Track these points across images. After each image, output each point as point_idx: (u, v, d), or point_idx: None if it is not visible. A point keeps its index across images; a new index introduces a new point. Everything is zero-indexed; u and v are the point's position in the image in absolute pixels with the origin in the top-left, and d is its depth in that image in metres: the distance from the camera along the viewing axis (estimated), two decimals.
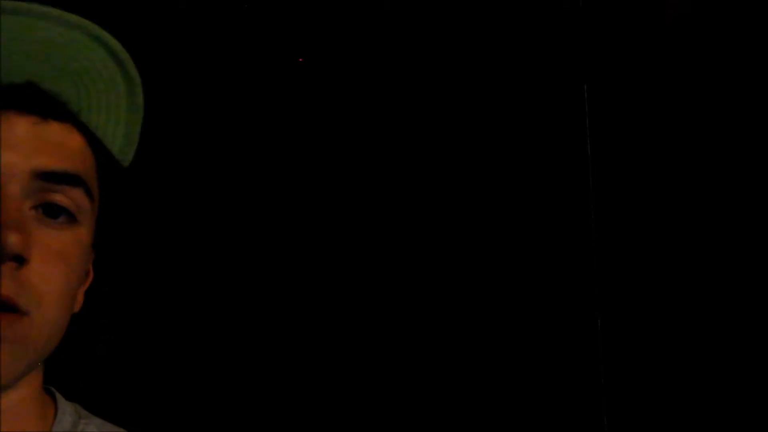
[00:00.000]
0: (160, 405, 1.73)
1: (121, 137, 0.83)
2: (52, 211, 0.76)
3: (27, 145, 0.74)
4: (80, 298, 0.84)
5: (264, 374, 1.82)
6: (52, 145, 0.76)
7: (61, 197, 0.76)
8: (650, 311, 1.76)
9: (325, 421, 1.79)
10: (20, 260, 0.72)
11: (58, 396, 0.85)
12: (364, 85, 1.88)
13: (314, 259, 1.85)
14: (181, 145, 1.82)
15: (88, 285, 0.86)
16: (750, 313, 1.71)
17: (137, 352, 1.74)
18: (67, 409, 0.85)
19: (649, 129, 1.80)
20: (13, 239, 0.70)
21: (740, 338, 1.71)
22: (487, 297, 1.83)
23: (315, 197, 1.87)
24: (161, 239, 1.79)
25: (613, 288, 1.78)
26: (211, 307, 1.82)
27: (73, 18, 0.74)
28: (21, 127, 0.74)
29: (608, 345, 1.76)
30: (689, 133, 1.78)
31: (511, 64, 1.86)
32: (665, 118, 1.79)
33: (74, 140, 0.78)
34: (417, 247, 1.86)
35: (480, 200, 1.85)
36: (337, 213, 1.87)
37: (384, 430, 1.80)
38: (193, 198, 1.82)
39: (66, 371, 0.80)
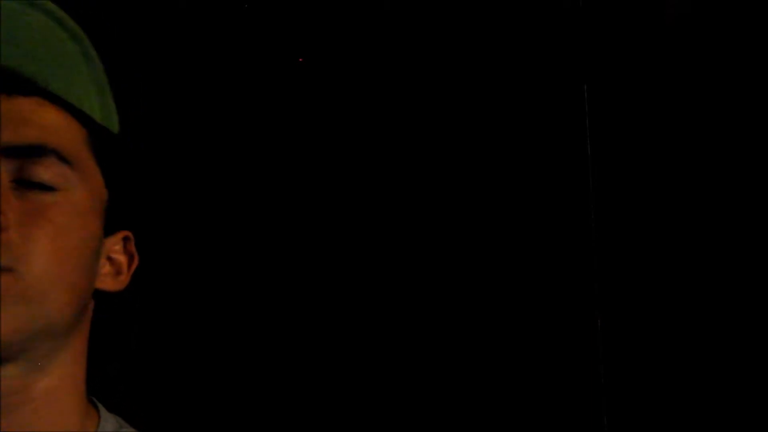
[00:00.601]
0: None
1: (96, 101, 0.83)
2: (32, 184, 0.76)
3: None
4: (125, 278, 0.84)
5: (269, 374, 1.82)
6: (18, 120, 0.76)
7: (36, 169, 0.76)
8: (650, 311, 1.76)
9: (325, 421, 1.79)
10: None
11: (101, 407, 0.86)
12: (364, 85, 1.88)
13: (315, 258, 1.85)
14: (181, 145, 1.82)
15: (135, 267, 0.86)
16: (750, 312, 1.71)
17: (150, 355, 1.74)
18: (109, 419, 0.85)
19: (649, 129, 1.80)
20: None
21: (740, 338, 1.71)
22: (486, 297, 1.82)
23: (315, 197, 1.87)
24: (161, 239, 1.79)
25: (613, 288, 1.78)
26: (212, 308, 1.82)
27: None
28: None
29: (608, 345, 1.76)
30: (689, 133, 1.78)
31: (511, 64, 1.86)
32: (665, 118, 1.79)
33: (45, 113, 0.78)
34: (417, 247, 1.85)
35: (480, 200, 1.85)
36: (337, 213, 1.87)
37: (384, 430, 1.80)
38: (192, 198, 1.82)
39: (108, 385, 0.80)
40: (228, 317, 1.83)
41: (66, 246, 0.77)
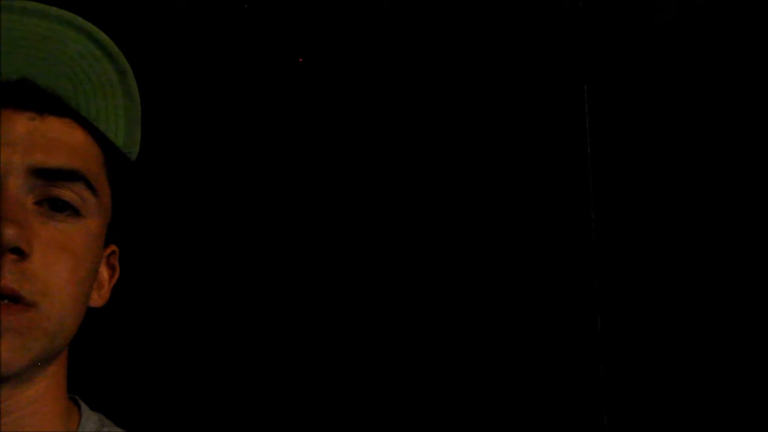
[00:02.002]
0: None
1: (123, 129, 0.83)
2: (57, 206, 0.76)
3: (24, 142, 0.75)
4: (105, 293, 0.84)
5: (268, 375, 1.82)
6: (50, 141, 0.76)
7: (63, 192, 0.76)
8: (650, 311, 1.76)
9: (326, 421, 1.79)
10: (19, 252, 0.72)
11: (83, 405, 0.86)
12: (364, 85, 1.88)
13: (315, 258, 1.85)
14: (180, 145, 1.82)
15: (115, 281, 0.86)
16: (750, 312, 1.71)
17: (146, 356, 1.74)
18: (91, 417, 0.86)
19: (649, 129, 1.80)
20: (10, 231, 0.71)
21: (740, 338, 1.71)
22: (486, 297, 1.82)
23: (315, 197, 1.87)
24: (161, 239, 1.79)
25: (613, 288, 1.78)
26: (212, 308, 1.82)
27: (55, 11, 0.75)
28: (18, 123, 0.75)
29: (608, 345, 1.76)
30: (689, 133, 1.78)
31: (511, 64, 1.86)
32: (665, 118, 1.79)
33: (74, 135, 0.79)
34: (417, 247, 1.86)
35: (480, 200, 1.85)
36: (337, 213, 1.87)
37: (384, 430, 1.80)
38: (191, 198, 1.82)
39: (91, 382, 0.80)
40: (212, 315, 1.83)
41: (81, 276, 0.78)
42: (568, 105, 1.82)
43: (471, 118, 1.87)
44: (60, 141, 0.77)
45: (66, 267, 0.75)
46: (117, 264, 0.88)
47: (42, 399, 0.79)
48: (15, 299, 0.72)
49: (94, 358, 0.79)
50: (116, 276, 0.87)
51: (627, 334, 1.76)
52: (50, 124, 0.77)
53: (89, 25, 0.77)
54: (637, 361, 1.75)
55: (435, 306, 1.83)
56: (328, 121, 1.88)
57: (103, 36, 0.78)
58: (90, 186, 0.78)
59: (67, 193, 0.76)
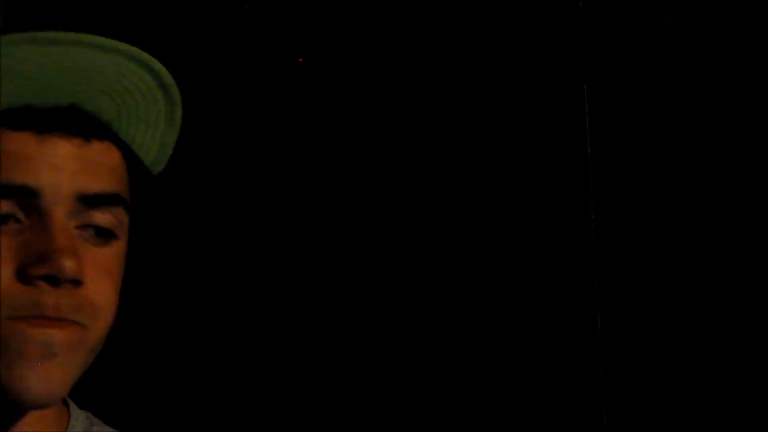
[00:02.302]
0: (170, 414, 1.74)
1: (156, 149, 0.84)
2: (97, 231, 0.77)
3: (71, 167, 0.75)
4: None
5: (266, 375, 1.82)
6: (94, 165, 0.77)
7: (103, 217, 0.77)
8: (650, 311, 1.76)
9: (326, 421, 1.79)
10: (77, 283, 0.74)
11: (71, 404, 0.86)
12: (364, 85, 1.89)
13: (314, 258, 1.85)
14: (181, 145, 1.82)
15: None
16: (750, 312, 1.71)
17: (147, 359, 1.74)
18: (80, 416, 0.86)
19: (649, 129, 1.80)
20: (69, 264, 0.72)
21: (740, 338, 1.71)
22: (487, 297, 1.83)
23: (315, 197, 1.87)
24: (160, 239, 1.79)
25: (613, 288, 1.78)
26: (212, 308, 1.82)
27: (112, 43, 0.75)
28: (65, 149, 0.75)
29: (608, 345, 1.76)
30: (689, 133, 1.78)
31: (512, 64, 1.86)
32: (665, 118, 1.79)
33: (113, 157, 0.79)
34: (417, 247, 1.86)
35: (480, 200, 1.85)
36: (337, 213, 1.87)
37: (384, 430, 1.80)
38: (191, 198, 1.82)
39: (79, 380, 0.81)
40: (202, 311, 1.83)
41: (117, 298, 0.79)
42: (568, 105, 1.82)
43: (471, 118, 1.87)
44: (103, 165, 0.78)
45: (111, 290, 0.77)
46: None
47: (42, 415, 0.80)
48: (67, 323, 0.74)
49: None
50: None
51: (627, 334, 1.76)
52: (93, 148, 0.77)
53: (152, 59, 0.77)
54: (637, 361, 1.75)
55: (435, 306, 1.83)
56: (328, 121, 1.88)
57: (162, 69, 0.78)
58: (127, 208, 0.80)
59: (108, 218, 0.77)
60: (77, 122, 0.76)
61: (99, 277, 0.76)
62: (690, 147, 1.78)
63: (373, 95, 1.88)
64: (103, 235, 0.77)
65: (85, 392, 0.84)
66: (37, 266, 0.72)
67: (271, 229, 1.87)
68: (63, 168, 0.75)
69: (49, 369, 0.73)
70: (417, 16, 1.87)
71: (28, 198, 0.74)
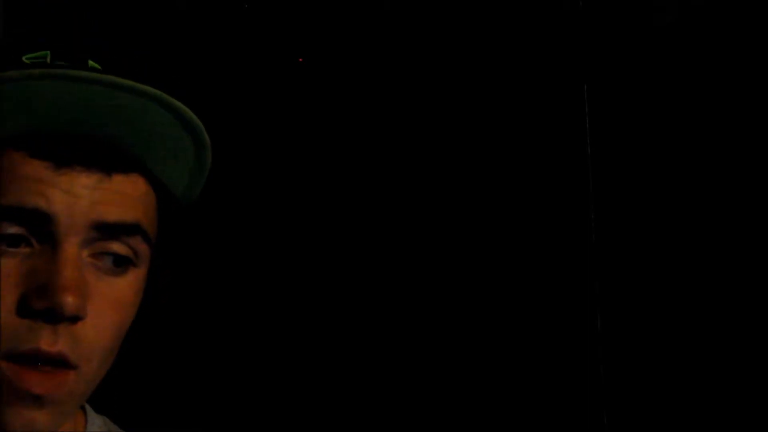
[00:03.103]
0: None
1: (185, 184, 0.83)
2: (113, 259, 0.76)
3: (89, 196, 0.74)
4: None
5: (265, 375, 1.82)
6: (114, 194, 0.75)
7: (119, 246, 0.76)
8: (650, 311, 1.76)
9: (325, 421, 1.79)
10: (76, 320, 0.72)
11: (88, 408, 0.86)
12: (364, 85, 1.89)
13: (314, 258, 1.85)
14: None
15: None
16: (750, 312, 1.71)
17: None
18: (96, 422, 0.86)
19: (649, 129, 1.80)
20: (71, 301, 0.71)
21: (740, 338, 1.71)
22: (487, 297, 1.83)
23: (315, 197, 1.87)
24: (161, 238, 1.78)
25: (613, 288, 1.78)
26: (211, 307, 1.82)
27: (144, 88, 0.74)
28: (84, 179, 0.74)
29: (608, 345, 1.76)
30: (689, 132, 1.78)
31: (512, 64, 1.86)
32: (665, 118, 1.79)
33: (137, 187, 0.78)
34: (417, 247, 1.86)
35: (480, 200, 1.85)
36: (337, 213, 1.87)
37: (384, 430, 1.80)
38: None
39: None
40: (217, 318, 1.83)
41: (123, 332, 0.78)
42: (568, 105, 1.82)
43: (471, 118, 1.87)
44: (124, 194, 0.76)
45: (115, 326, 0.76)
46: None
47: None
48: (63, 364, 0.72)
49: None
50: None
51: (627, 334, 1.76)
52: (115, 180, 0.76)
53: (174, 101, 0.76)
54: (637, 361, 1.75)
55: (435, 306, 1.83)
56: (328, 120, 1.88)
57: (187, 111, 0.76)
58: (147, 238, 0.78)
59: (124, 248, 0.76)
60: (98, 156, 0.75)
61: (105, 311, 0.74)
62: (690, 147, 1.78)
63: (373, 95, 1.88)
64: (120, 264, 0.76)
65: (102, 397, 0.84)
66: (38, 299, 0.71)
67: (271, 229, 1.87)
68: (80, 196, 0.73)
69: (36, 418, 0.72)
70: (417, 16, 1.87)
71: (41, 223, 0.72)
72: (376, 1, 1.87)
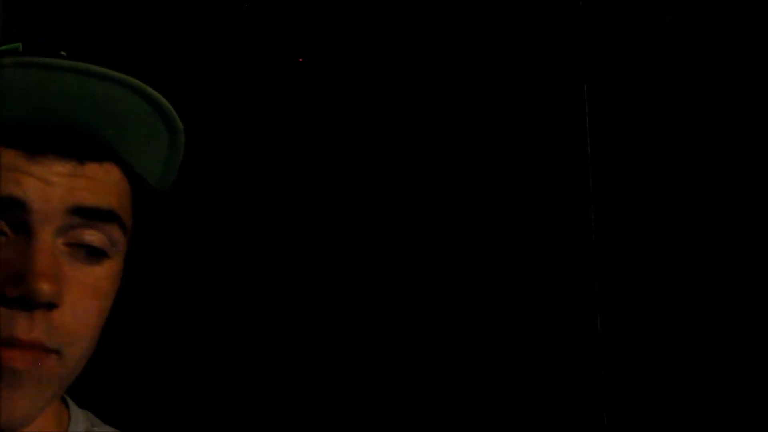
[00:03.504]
0: (170, 414, 1.74)
1: (159, 173, 0.83)
2: (87, 250, 0.76)
3: (64, 184, 0.74)
4: None
5: (264, 374, 1.82)
6: (89, 181, 0.76)
7: (94, 236, 0.76)
8: (650, 311, 1.76)
9: (325, 420, 1.79)
10: (52, 306, 0.72)
11: (71, 403, 0.86)
12: (364, 85, 1.89)
13: (314, 258, 1.85)
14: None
15: None
16: (750, 312, 1.71)
17: (147, 359, 1.75)
18: (79, 417, 0.85)
19: (649, 129, 1.80)
20: (45, 287, 0.71)
21: (740, 337, 1.71)
22: (487, 297, 1.83)
23: (315, 197, 1.87)
24: (161, 238, 1.78)
25: (613, 288, 1.78)
26: (211, 307, 1.82)
27: (117, 75, 0.74)
28: (59, 167, 0.74)
29: (608, 345, 1.76)
30: (689, 132, 1.78)
31: (512, 64, 1.86)
32: (665, 118, 1.79)
33: (111, 175, 0.78)
34: (417, 247, 1.86)
35: (480, 200, 1.85)
36: (337, 213, 1.87)
37: (384, 430, 1.80)
38: (191, 197, 1.82)
39: (79, 380, 0.80)
40: (222, 318, 1.83)
41: (102, 319, 0.78)
42: (568, 105, 1.82)
43: (471, 118, 1.87)
44: (99, 181, 0.76)
45: (93, 313, 0.76)
46: None
47: (42, 416, 0.79)
48: (38, 349, 0.72)
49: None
50: None
51: (627, 334, 1.76)
52: (89, 168, 0.76)
53: (147, 87, 0.76)
54: (637, 361, 1.75)
55: (435, 306, 1.83)
56: (328, 121, 1.88)
57: (159, 97, 0.77)
58: (122, 226, 0.78)
59: (97, 236, 0.76)
60: (72, 144, 0.75)
61: (81, 298, 0.74)
62: (690, 147, 1.78)
63: (373, 95, 1.88)
64: (95, 254, 0.76)
65: (84, 391, 0.84)
66: (12, 286, 0.71)
67: (271, 229, 1.87)
68: (55, 183, 0.73)
69: (15, 399, 0.71)
70: (417, 16, 1.87)
71: (15, 212, 0.72)
72: (376, 1, 1.87)
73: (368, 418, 1.80)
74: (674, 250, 1.77)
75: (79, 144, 0.75)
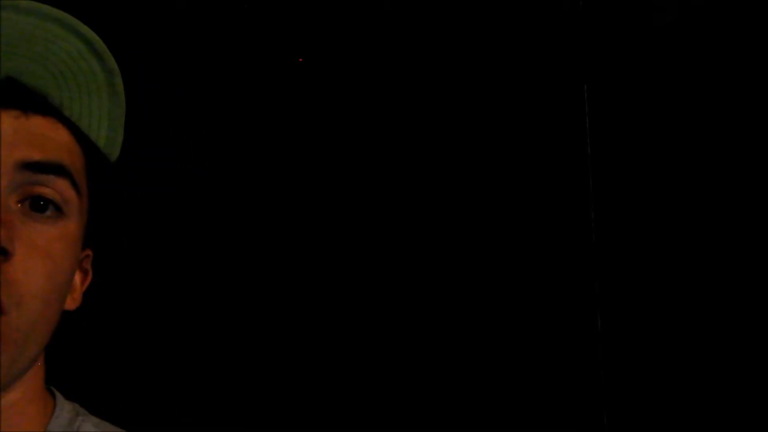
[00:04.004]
0: (159, 405, 1.74)
1: (105, 130, 0.82)
2: (38, 206, 0.75)
3: (10, 139, 0.73)
4: (77, 296, 0.83)
5: (264, 374, 1.82)
6: (36, 136, 0.75)
7: (46, 189, 0.75)
8: (650, 311, 1.76)
9: (325, 420, 1.79)
10: (4, 253, 0.71)
11: (58, 395, 0.86)
12: (364, 85, 1.89)
13: (314, 258, 1.85)
14: (180, 144, 1.82)
15: (87, 285, 0.86)
16: (750, 312, 1.71)
17: (137, 351, 1.75)
18: (65, 407, 0.85)
19: (649, 129, 1.80)
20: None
21: (740, 337, 1.71)
22: (487, 297, 1.83)
23: (315, 197, 1.87)
24: (162, 238, 1.79)
25: (613, 288, 1.78)
26: (211, 307, 1.82)
27: (46, 9, 0.74)
28: (3, 121, 0.73)
29: (608, 345, 1.76)
30: (689, 132, 1.78)
31: (512, 64, 1.86)
32: (665, 118, 1.79)
33: (58, 133, 0.78)
34: (417, 247, 1.86)
35: (480, 200, 1.85)
36: (337, 213, 1.87)
37: (384, 430, 1.80)
38: (192, 198, 1.82)
39: (67, 370, 0.80)
40: (222, 317, 1.83)
41: (58, 281, 0.76)
42: (568, 105, 1.82)
43: (471, 118, 1.87)
44: (46, 137, 0.76)
45: (44, 272, 0.74)
46: (90, 268, 0.86)
47: (23, 401, 0.79)
48: None
49: (70, 350, 0.78)
50: (89, 280, 0.86)
51: (627, 334, 1.76)
52: (35, 122, 0.76)
53: (79, 23, 0.76)
54: (637, 361, 1.75)
55: (435, 306, 1.83)
56: (328, 121, 1.88)
57: (92, 35, 0.77)
58: (74, 184, 0.77)
59: (49, 190, 0.75)
60: (14, 94, 0.74)
61: (33, 255, 0.73)
62: (690, 147, 1.78)
63: (373, 95, 1.88)
64: (45, 209, 0.74)
65: (72, 384, 0.84)
66: None
67: (271, 229, 1.87)
68: (2, 139, 0.72)
69: None
70: (417, 16, 1.87)
71: None
72: (376, 1, 1.87)
73: (368, 418, 1.80)
74: (674, 250, 1.77)
75: (20, 94, 0.75)
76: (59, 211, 0.76)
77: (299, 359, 1.83)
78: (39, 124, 0.76)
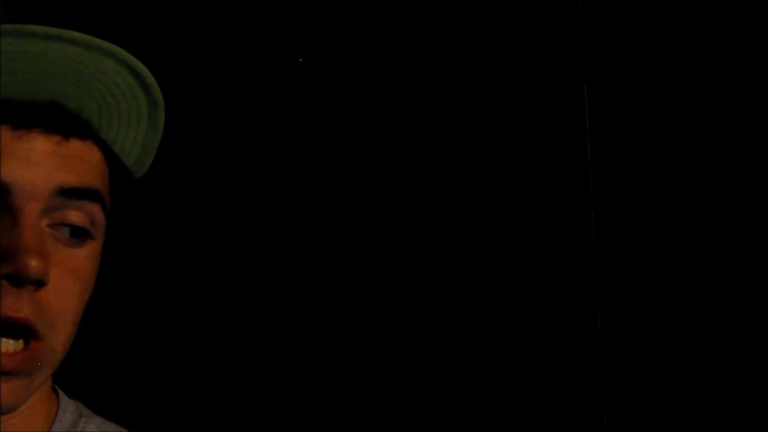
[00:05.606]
0: (160, 404, 1.74)
1: (138, 152, 0.83)
2: (70, 230, 0.75)
3: (48, 163, 0.74)
4: None
5: (264, 374, 1.82)
6: (73, 160, 0.76)
7: (77, 215, 0.76)
8: (650, 311, 1.76)
9: (325, 420, 1.79)
10: (40, 284, 0.72)
11: (61, 394, 0.86)
12: (364, 85, 1.89)
13: (314, 258, 1.85)
14: (180, 144, 1.82)
15: None
16: (750, 312, 1.71)
17: (139, 350, 1.75)
18: (68, 407, 0.86)
19: (649, 129, 1.80)
20: (35, 263, 0.70)
21: (740, 337, 1.71)
22: (487, 297, 1.83)
23: (315, 197, 1.87)
24: (161, 239, 1.79)
25: (613, 288, 1.78)
26: (212, 306, 1.82)
27: (102, 44, 0.74)
28: (43, 145, 0.74)
29: (608, 345, 1.76)
30: (689, 132, 1.78)
31: (512, 64, 1.86)
32: (665, 118, 1.79)
33: (93, 155, 0.78)
34: (417, 247, 1.86)
35: (480, 200, 1.85)
36: (337, 213, 1.87)
37: (384, 430, 1.80)
38: (192, 197, 1.82)
39: (70, 369, 0.80)
40: (222, 317, 1.83)
41: (85, 300, 0.78)
42: (568, 105, 1.82)
43: (471, 118, 1.87)
44: (82, 160, 0.76)
45: (76, 295, 0.75)
46: None
47: (32, 405, 0.79)
48: (30, 333, 0.72)
49: (72, 349, 0.78)
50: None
51: (627, 334, 1.76)
52: (73, 145, 0.76)
53: (130, 56, 0.76)
54: (637, 361, 1.75)
55: (435, 306, 1.83)
56: (328, 121, 1.89)
57: (143, 68, 0.77)
58: (104, 207, 0.78)
59: (82, 217, 0.76)
60: (56, 118, 0.75)
61: (65, 279, 0.74)
62: (690, 147, 1.78)
63: (373, 95, 1.89)
64: (78, 235, 0.76)
65: (76, 382, 0.84)
66: (2, 264, 0.70)
67: (271, 229, 1.87)
68: (39, 163, 0.73)
69: (4, 391, 0.71)
70: (417, 16, 1.88)
71: (1, 194, 0.72)
72: (376, 1, 1.87)
73: (368, 418, 1.80)
74: (674, 250, 1.77)
75: (63, 119, 0.75)
76: (88, 234, 0.77)
77: (299, 359, 1.83)
78: (76, 146, 0.76)
